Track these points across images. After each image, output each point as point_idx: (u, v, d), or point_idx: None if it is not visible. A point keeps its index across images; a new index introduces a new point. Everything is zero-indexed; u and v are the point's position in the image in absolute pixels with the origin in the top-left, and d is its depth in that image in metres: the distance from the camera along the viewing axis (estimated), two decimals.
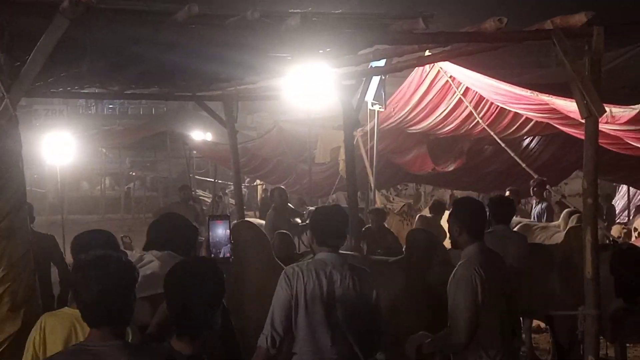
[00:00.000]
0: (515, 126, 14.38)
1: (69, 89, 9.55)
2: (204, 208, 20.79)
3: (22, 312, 5.60)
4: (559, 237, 9.64)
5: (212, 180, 28.19)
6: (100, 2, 5.68)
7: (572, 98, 8.66)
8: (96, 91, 10.16)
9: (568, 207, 15.56)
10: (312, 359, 5.47)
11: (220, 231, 4.76)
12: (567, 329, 7.80)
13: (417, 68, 14.13)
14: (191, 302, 3.79)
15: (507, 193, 13.81)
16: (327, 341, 5.47)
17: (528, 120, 13.67)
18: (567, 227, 9.77)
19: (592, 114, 6.39)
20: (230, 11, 6.05)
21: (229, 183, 30.91)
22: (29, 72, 5.56)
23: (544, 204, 13.93)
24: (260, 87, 10.79)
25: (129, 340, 4.05)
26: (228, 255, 4.74)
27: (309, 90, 9.64)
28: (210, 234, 4.74)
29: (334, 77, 9.03)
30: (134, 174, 36.09)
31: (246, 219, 13.57)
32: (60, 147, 20.55)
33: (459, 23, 7.29)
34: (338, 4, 6.73)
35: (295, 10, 6.16)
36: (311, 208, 18.69)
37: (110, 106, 44.67)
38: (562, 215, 11.84)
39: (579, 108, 6.48)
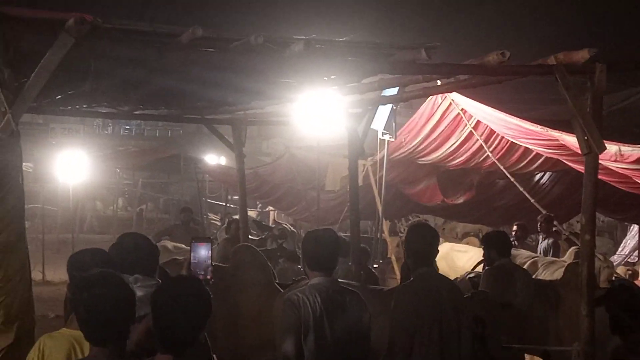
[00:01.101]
0: (526, 161, 14.36)
1: (77, 107, 9.63)
2: (214, 231, 20.76)
3: (16, 326, 5.64)
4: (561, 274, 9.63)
5: (224, 204, 28.22)
6: (106, 22, 5.76)
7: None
8: (105, 111, 10.21)
9: (576, 244, 15.59)
10: None
11: (203, 252, 4.79)
12: None
13: (428, 99, 14.21)
14: (177, 320, 3.80)
15: (515, 228, 13.80)
16: None
17: (538, 155, 13.66)
18: (566, 264, 9.75)
19: (592, 150, 6.42)
20: (234, 35, 6.11)
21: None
22: (32, 88, 5.62)
23: (551, 240, 13.90)
24: (268, 112, 10.85)
25: None
26: (209, 277, 4.75)
27: (316, 117, 9.68)
28: (192, 254, 4.76)
29: (341, 105, 9.07)
30: (146, 195, 36.17)
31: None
32: (73, 166, 20.70)
33: (465, 54, 7.29)
34: (343, 32, 6.73)
35: (299, 37, 6.21)
36: (285, 224, 18.76)
37: (127, 127, 44.86)
38: (568, 253, 11.81)
39: (579, 144, 6.50)
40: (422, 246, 5.79)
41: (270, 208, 27.11)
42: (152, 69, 6.37)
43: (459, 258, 14.58)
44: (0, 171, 5.55)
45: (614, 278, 10.66)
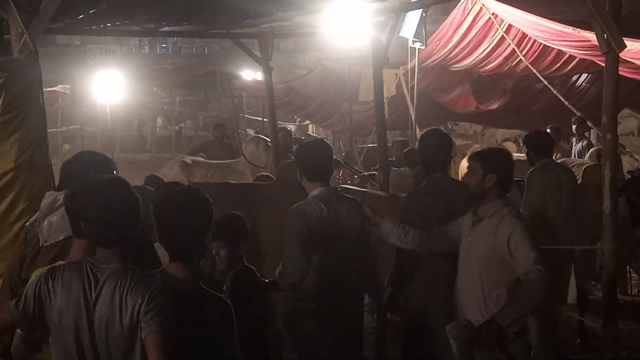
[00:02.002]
0: (559, 64, 14.19)
1: (102, 26, 9.65)
2: None
3: None
4: None
5: (260, 119, 28.23)
6: None
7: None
8: (130, 29, 10.22)
9: None
10: (339, 300, 5.49)
11: None
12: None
13: (458, 5, 14.04)
14: (179, 227, 3.88)
15: (548, 130, 13.71)
16: (352, 279, 5.54)
17: (572, 57, 13.49)
18: (585, 166, 9.70)
19: (611, 49, 6.33)
20: None
21: (279, 122, 31.01)
22: (48, 8, 5.68)
23: (585, 142, 13.83)
24: (294, 24, 10.79)
25: None
26: None
27: (341, 27, 9.61)
28: None
29: (364, 13, 8.99)
30: (185, 113, 36.27)
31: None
32: (109, 86, 20.80)
33: None
34: None
35: None
36: (312, 135, 18.64)
37: (164, 45, 44.85)
38: (588, 153, 11.76)
39: (598, 43, 6.43)
40: (433, 152, 5.81)
41: (308, 121, 27.09)
42: None
43: None
44: (20, 92, 5.64)
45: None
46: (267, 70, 11.43)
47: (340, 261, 5.43)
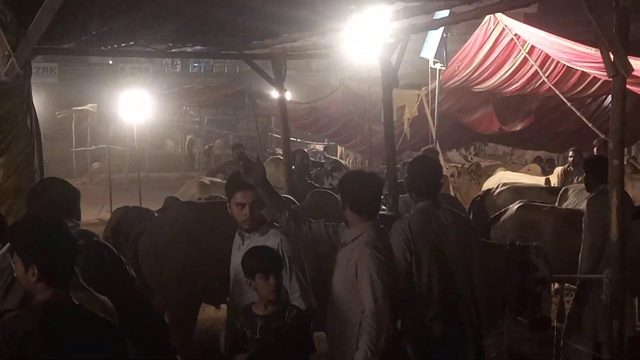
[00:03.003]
0: (583, 85, 14.02)
1: (114, 46, 9.57)
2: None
3: None
4: None
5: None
6: None
7: (637, 56, 8.42)
8: (140, 49, 10.13)
9: (637, 168, 15.20)
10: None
11: None
12: None
13: (480, 26, 13.93)
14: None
15: (571, 153, 13.50)
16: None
17: (596, 79, 13.30)
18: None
19: (619, 72, 6.15)
20: None
21: (307, 142, 30.97)
22: (35, 30, 5.60)
23: None
24: (307, 45, 10.68)
25: None
26: None
27: (352, 48, 9.50)
28: None
29: (374, 34, 8.85)
30: (214, 132, 36.38)
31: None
32: (136, 105, 20.83)
33: None
34: None
35: None
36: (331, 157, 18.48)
37: (195, 64, 44.99)
38: None
39: (605, 66, 6.26)
40: (421, 179, 5.65)
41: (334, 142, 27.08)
42: (161, 5, 6.27)
43: None
44: (6, 115, 5.56)
45: None
46: (281, 91, 11.31)
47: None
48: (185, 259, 7.16)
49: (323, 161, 13.57)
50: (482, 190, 13.90)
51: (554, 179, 13.61)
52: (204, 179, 14.01)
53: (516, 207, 9.68)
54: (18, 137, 5.58)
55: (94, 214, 21.70)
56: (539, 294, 6.70)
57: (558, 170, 13.99)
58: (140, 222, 8.04)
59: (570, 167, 13.28)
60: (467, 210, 10.90)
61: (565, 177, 13.30)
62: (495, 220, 9.77)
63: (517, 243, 7.06)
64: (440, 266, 5.42)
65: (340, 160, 17.05)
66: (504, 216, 9.67)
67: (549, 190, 11.52)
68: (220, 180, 13.77)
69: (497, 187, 11.75)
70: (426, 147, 13.42)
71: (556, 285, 8.97)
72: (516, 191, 11.31)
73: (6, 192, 5.54)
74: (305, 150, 15.59)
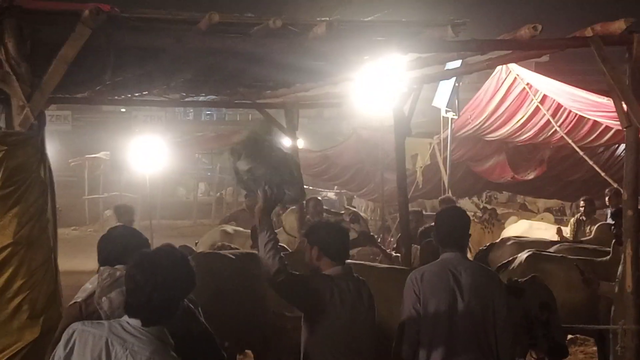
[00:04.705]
0: (595, 134, 14.03)
1: (127, 96, 9.65)
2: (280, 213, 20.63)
3: (42, 321, 5.65)
4: None
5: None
6: (123, 11, 5.72)
7: None
8: (152, 99, 10.22)
9: None
10: None
11: None
12: None
13: (492, 75, 13.98)
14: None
15: (582, 203, 13.42)
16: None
17: (608, 128, 13.30)
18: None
19: (632, 123, 6.16)
20: (253, 20, 6.00)
21: (318, 189, 30.95)
22: (50, 81, 5.62)
23: None
24: (321, 94, 10.75)
25: None
26: None
27: (364, 97, 9.56)
28: None
29: (387, 85, 8.92)
30: (226, 180, 36.44)
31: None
32: (148, 153, 20.92)
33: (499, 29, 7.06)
34: (368, 11, 6.56)
35: (321, 19, 6.07)
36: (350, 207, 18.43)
37: (208, 112, 45.33)
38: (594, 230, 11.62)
39: (619, 117, 6.27)
40: (446, 230, 5.60)
41: (345, 190, 26.99)
42: (174, 56, 6.30)
43: (541, 235, 14.23)
44: (20, 166, 5.55)
45: None
46: (293, 139, 11.35)
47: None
48: (227, 311, 7.13)
49: (342, 212, 13.50)
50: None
51: (566, 229, 13.53)
52: (227, 227, 13.99)
53: (525, 255, 9.62)
54: (32, 188, 5.57)
55: None
56: (546, 321, 6.60)
57: (571, 220, 13.91)
58: None
59: (582, 217, 13.20)
60: None
61: (578, 227, 13.21)
62: (502, 268, 9.69)
63: (514, 279, 7.00)
64: (450, 318, 5.37)
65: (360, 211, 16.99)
66: (513, 264, 9.58)
67: (554, 244, 11.42)
68: (242, 229, 13.73)
69: (501, 241, 11.65)
70: (442, 197, 13.40)
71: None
72: (520, 246, 11.24)
73: (19, 241, 5.51)
74: (319, 198, 15.53)
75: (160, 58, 6.59)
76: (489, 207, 21.13)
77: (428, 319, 5.35)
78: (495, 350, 5.39)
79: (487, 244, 12.06)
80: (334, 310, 5.19)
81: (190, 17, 5.88)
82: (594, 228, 12.31)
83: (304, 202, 11.86)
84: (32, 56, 5.65)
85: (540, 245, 11.09)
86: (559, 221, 15.89)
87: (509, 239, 11.88)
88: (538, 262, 9.50)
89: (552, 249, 10.07)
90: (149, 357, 3.60)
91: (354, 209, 17.11)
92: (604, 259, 8.75)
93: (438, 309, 5.34)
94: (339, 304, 5.21)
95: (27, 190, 5.59)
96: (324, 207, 13.49)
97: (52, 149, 6.75)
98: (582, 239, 12.17)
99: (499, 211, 18.85)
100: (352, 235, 11.72)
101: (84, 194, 33.03)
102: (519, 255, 9.79)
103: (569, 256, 9.38)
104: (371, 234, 11.96)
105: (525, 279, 7.01)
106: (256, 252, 7.98)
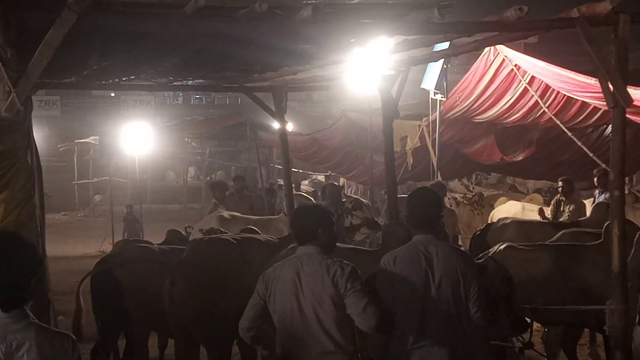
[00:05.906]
0: (584, 115, 14.02)
1: (115, 80, 9.63)
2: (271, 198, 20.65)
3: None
4: None
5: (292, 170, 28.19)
6: None
7: (637, 86, 8.44)
8: (140, 83, 10.19)
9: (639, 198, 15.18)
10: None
11: None
12: None
13: (481, 57, 13.96)
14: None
15: (560, 183, 13.45)
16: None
17: (596, 108, 13.30)
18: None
19: (618, 103, 6.17)
20: (239, 3, 5.98)
21: (309, 172, 30.98)
22: (36, 66, 5.61)
23: (607, 194, 13.49)
24: (308, 77, 10.72)
25: None
26: None
27: (353, 80, 9.55)
28: None
29: (375, 67, 8.90)
30: (216, 163, 36.44)
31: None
32: (138, 137, 20.90)
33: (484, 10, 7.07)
34: None
35: (308, 1, 6.06)
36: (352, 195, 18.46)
37: (197, 96, 45.12)
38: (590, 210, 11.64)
39: (605, 97, 6.28)
40: (418, 212, 5.60)
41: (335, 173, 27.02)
42: (160, 40, 6.29)
43: (534, 217, 14.25)
44: (7, 151, 5.56)
45: None
46: (282, 123, 11.35)
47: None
48: (233, 295, 7.15)
49: (344, 199, 13.40)
50: (490, 220, 13.91)
51: (548, 210, 13.57)
52: (224, 212, 13.92)
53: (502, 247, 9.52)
54: (19, 173, 5.57)
55: (95, 246, 21.77)
56: (507, 296, 6.61)
57: (553, 200, 13.95)
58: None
59: (562, 197, 13.24)
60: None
61: (557, 207, 13.26)
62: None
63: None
64: (423, 299, 5.39)
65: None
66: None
67: (553, 225, 11.43)
68: (239, 215, 13.70)
69: (499, 221, 11.67)
70: (433, 182, 13.38)
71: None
72: (520, 226, 11.23)
73: (7, 227, 5.53)
74: (336, 183, 15.46)
75: (147, 42, 6.59)
76: (472, 188, 21.23)
77: (402, 301, 5.38)
78: (468, 330, 5.42)
79: (485, 225, 12.10)
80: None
81: (176, 0, 5.88)
82: (572, 207, 12.42)
83: (321, 188, 11.83)
84: (19, 42, 5.65)
85: (540, 225, 11.14)
86: (549, 202, 15.90)
87: (506, 218, 11.92)
88: (517, 253, 9.44)
89: (555, 237, 9.88)
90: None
91: (356, 197, 17.06)
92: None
93: (412, 291, 5.36)
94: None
95: (14, 176, 5.60)
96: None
97: (41, 134, 6.77)
98: (561, 219, 12.29)
99: (488, 193, 18.92)
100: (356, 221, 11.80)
101: (73, 179, 33.02)
102: (494, 247, 9.70)
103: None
104: (375, 219, 11.98)
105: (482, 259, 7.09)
106: (254, 236, 8.06)
